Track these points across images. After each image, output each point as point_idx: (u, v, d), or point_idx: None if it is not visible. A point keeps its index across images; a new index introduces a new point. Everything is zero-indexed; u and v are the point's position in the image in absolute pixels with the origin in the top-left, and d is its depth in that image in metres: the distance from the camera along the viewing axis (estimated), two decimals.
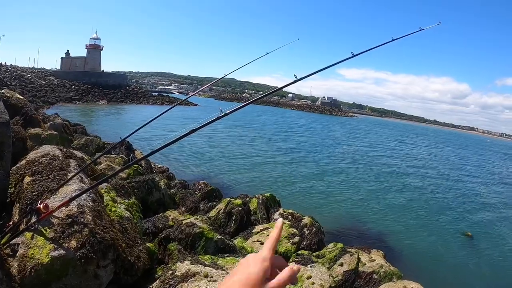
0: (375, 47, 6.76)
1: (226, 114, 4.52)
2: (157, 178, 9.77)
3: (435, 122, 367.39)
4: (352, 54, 6.02)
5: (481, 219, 17.44)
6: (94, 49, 75.14)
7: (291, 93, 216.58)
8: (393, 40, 7.05)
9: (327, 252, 8.16)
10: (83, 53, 75.62)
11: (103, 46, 76.77)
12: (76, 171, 4.74)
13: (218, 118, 4.48)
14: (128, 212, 5.78)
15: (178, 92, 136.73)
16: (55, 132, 10.07)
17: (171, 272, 4.61)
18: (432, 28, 7.90)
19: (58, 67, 78.09)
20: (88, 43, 75.50)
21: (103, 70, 75.54)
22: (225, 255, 6.34)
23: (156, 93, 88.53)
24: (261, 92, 6.55)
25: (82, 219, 3.80)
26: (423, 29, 7.93)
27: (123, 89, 70.39)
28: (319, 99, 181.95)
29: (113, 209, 5.45)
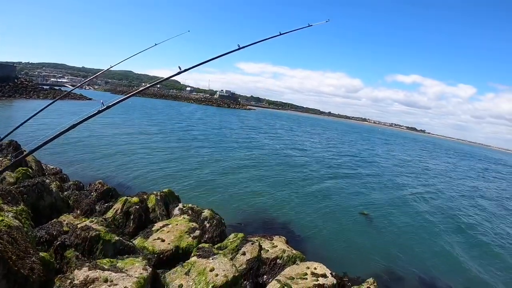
0: (261, 40, 7.28)
1: (108, 107, 4.55)
2: (47, 181, 9.15)
3: (330, 114, 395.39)
4: (239, 47, 6.44)
5: (374, 198, 19.80)
6: None
7: (189, 86, 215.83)
8: (280, 34, 7.64)
9: (229, 243, 8.50)
10: None
11: None
12: None
13: (99, 112, 4.50)
14: (17, 221, 5.47)
15: (71, 86, 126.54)
16: None
17: (69, 281, 4.53)
18: (322, 25, 8.60)
19: None
20: None
21: None
22: (125, 257, 6.30)
23: (48, 87, 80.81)
24: (146, 84, 6.60)
25: None
26: (312, 25, 8.66)
27: (11, 82, 62.01)
28: (217, 92, 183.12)
29: (0, 218, 5.12)
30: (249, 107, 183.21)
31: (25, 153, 13.17)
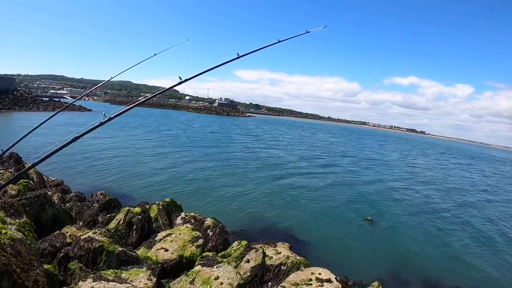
0: (260, 49, 7.32)
1: (110, 119, 4.55)
2: (49, 193, 9.16)
3: (329, 118, 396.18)
4: (238, 55, 6.47)
5: (378, 203, 19.66)
6: None
7: (188, 95, 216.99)
8: (279, 41, 7.68)
9: (232, 251, 8.48)
10: None
11: None
12: None
13: (101, 124, 4.49)
14: (20, 233, 5.45)
15: (71, 97, 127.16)
16: None
17: None
18: (320, 31, 8.63)
19: None
20: None
21: None
22: (129, 267, 6.28)
23: (47, 98, 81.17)
24: (147, 95, 6.65)
25: None
26: (309, 31, 8.70)
27: (10, 95, 62.19)
28: (217, 101, 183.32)
29: (3, 231, 5.11)
30: (249, 114, 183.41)
31: (27, 166, 13.20)
